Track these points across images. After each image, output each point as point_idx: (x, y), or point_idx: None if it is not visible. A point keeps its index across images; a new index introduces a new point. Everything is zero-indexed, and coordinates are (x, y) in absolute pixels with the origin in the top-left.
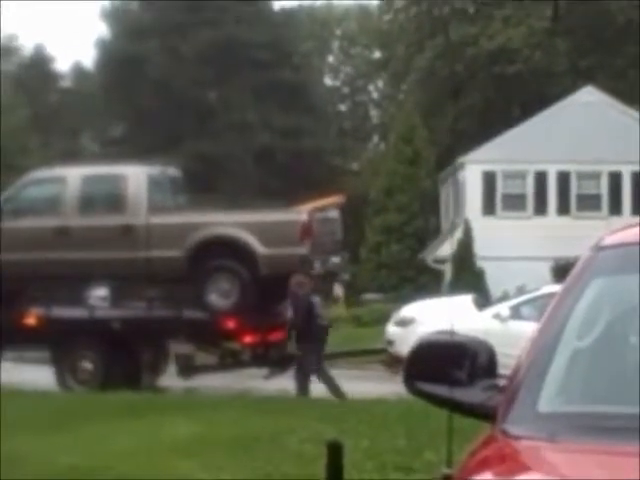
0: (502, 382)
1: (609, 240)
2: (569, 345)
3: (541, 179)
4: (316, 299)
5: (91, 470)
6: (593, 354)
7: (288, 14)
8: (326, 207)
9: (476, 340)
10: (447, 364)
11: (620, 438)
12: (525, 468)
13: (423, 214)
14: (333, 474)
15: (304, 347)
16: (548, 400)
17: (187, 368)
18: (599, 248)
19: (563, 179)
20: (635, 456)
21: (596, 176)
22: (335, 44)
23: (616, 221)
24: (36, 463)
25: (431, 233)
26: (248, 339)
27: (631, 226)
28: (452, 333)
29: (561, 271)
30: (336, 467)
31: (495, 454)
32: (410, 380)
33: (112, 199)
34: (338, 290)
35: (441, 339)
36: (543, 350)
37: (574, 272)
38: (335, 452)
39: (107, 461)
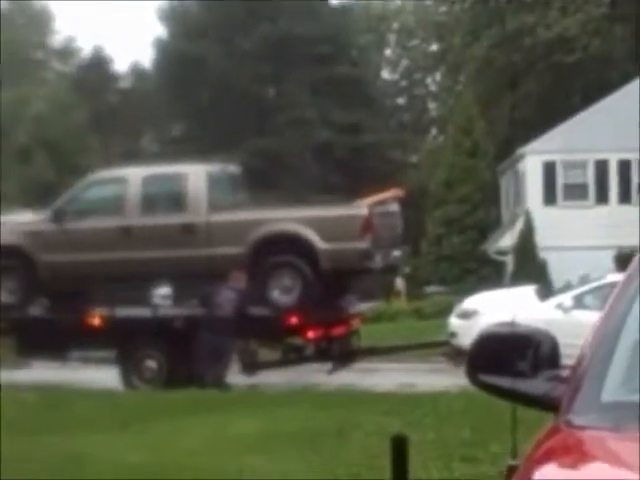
0: (565, 373)
1: None
2: (632, 334)
3: (602, 168)
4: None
5: (159, 467)
6: None
7: (345, 9)
8: (386, 201)
9: (539, 331)
10: (510, 356)
11: None
12: (590, 458)
13: (484, 206)
14: (398, 467)
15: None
16: (612, 390)
17: (251, 364)
18: None
19: (624, 167)
20: None
21: None
22: (392, 38)
23: None
24: (104, 462)
25: (492, 224)
26: (311, 334)
27: None
28: (514, 324)
29: (624, 260)
30: (401, 460)
31: (560, 445)
32: (473, 372)
33: (173, 198)
34: (399, 284)
35: (503, 331)
36: (606, 340)
37: (636, 261)
38: (400, 445)
39: (175, 458)
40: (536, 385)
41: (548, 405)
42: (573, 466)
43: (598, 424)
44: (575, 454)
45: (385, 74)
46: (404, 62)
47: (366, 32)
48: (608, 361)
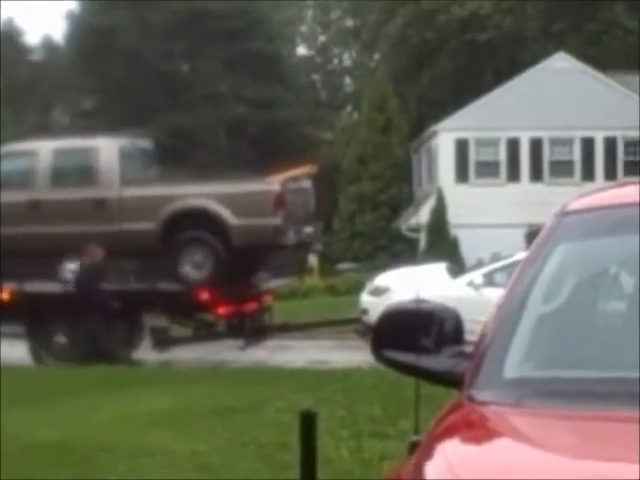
0: (469, 349)
1: (574, 205)
2: (535, 310)
3: (514, 146)
4: None
5: (70, 444)
6: (559, 319)
7: None
8: (298, 177)
9: (443, 307)
10: (414, 332)
11: (585, 402)
12: (491, 434)
13: (396, 183)
14: (307, 443)
15: None
16: (514, 365)
17: (162, 341)
18: (564, 213)
19: (536, 146)
20: (600, 420)
21: (569, 142)
22: (309, 13)
23: (589, 187)
24: (14, 438)
25: (405, 202)
26: (222, 310)
27: (595, 191)
28: (419, 301)
29: (534, 237)
30: (310, 436)
31: (462, 420)
32: (377, 348)
33: (84, 172)
34: (312, 260)
35: (408, 307)
36: (509, 316)
37: (540, 238)
38: (309, 421)
39: (85, 435)
40: (439, 361)
41: (452, 381)
42: (474, 442)
43: (500, 400)
44: (477, 430)
45: (301, 50)
46: (320, 38)
47: (282, 7)
48: (510, 337)
